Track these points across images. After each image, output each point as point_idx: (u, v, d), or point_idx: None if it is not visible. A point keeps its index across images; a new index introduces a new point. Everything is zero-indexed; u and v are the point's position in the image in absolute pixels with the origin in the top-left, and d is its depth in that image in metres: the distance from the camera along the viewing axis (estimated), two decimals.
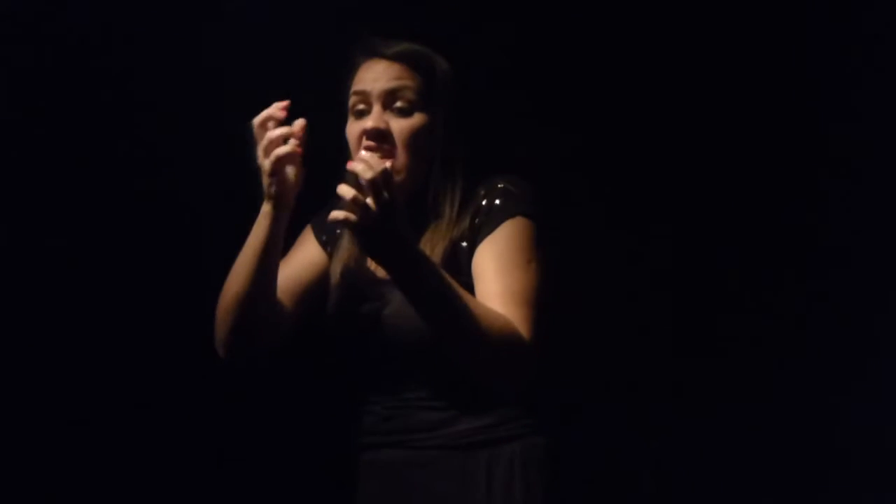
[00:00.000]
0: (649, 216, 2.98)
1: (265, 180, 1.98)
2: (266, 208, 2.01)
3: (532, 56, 2.96)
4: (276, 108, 1.98)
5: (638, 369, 2.97)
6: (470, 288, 2.01)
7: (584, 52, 2.96)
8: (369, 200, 1.80)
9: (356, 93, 2.09)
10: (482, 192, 2.08)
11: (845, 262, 2.95)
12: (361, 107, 2.08)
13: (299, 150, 1.97)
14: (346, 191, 1.81)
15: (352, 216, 1.81)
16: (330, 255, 2.21)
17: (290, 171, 1.98)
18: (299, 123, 1.98)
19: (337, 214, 1.82)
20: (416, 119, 2.07)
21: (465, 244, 2.06)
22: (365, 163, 1.82)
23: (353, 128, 2.09)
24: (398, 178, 2.02)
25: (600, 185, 2.97)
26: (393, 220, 1.83)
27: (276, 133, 1.96)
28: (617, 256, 2.97)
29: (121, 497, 2.97)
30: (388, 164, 1.85)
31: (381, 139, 2.04)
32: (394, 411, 2.10)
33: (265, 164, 1.96)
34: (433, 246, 2.06)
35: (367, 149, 2.02)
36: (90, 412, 2.96)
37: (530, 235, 2.04)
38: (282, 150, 1.95)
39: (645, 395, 2.97)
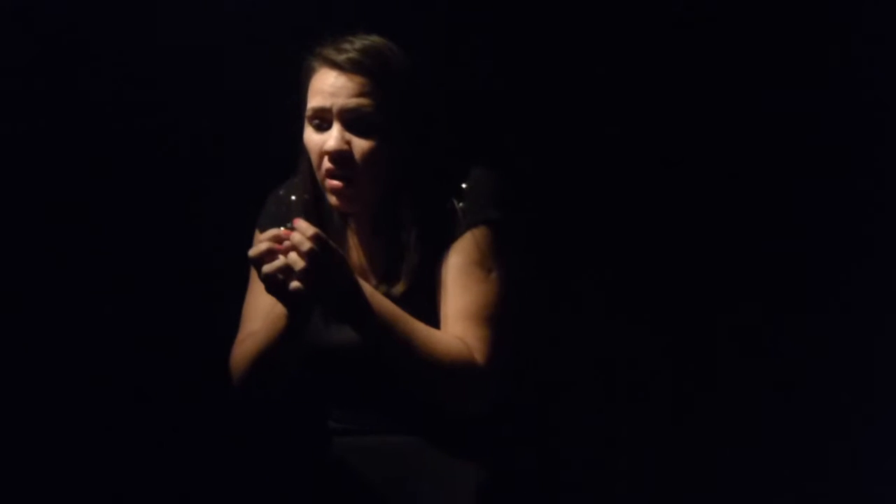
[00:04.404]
0: (645, 215, 2.98)
1: (289, 306, 1.98)
2: (290, 317, 2.00)
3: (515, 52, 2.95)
4: (279, 238, 1.94)
5: (628, 370, 2.97)
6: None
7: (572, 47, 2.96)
8: (309, 266, 1.88)
9: (314, 108, 2.06)
10: (449, 196, 2.07)
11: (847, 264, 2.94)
12: (318, 121, 2.06)
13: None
14: (295, 260, 1.89)
15: (300, 285, 1.89)
16: None
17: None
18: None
19: (294, 285, 1.90)
20: (378, 137, 2.04)
21: (437, 255, 2.06)
22: (300, 233, 1.89)
23: (313, 139, 2.07)
24: (363, 196, 2.05)
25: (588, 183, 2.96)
26: (333, 280, 1.91)
27: (292, 260, 1.92)
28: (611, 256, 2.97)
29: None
30: (317, 230, 1.89)
31: (342, 161, 2.03)
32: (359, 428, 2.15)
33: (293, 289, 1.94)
34: (409, 261, 2.06)
35: (328, 171, 2.04)
36: (80, 404, 2.99)
37: (491, 244, 2.05)
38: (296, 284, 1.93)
39: (635, 399, 2.97)
